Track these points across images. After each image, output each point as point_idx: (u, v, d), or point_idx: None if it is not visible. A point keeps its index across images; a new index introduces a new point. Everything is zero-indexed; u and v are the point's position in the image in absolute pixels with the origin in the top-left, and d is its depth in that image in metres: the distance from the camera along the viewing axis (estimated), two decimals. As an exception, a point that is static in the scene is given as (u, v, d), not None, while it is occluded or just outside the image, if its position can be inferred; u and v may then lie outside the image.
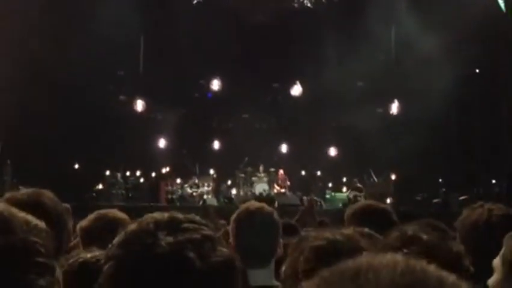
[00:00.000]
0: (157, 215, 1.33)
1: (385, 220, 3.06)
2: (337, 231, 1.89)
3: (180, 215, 1.33)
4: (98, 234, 2.89)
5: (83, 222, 3.13)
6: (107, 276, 1.26)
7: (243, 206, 3.31)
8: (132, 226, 1.30)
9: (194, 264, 1.22)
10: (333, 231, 1.88)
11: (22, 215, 1.35)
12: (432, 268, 0.75)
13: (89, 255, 1.90)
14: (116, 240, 1.30)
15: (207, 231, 1.30)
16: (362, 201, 3.65)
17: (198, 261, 1.23)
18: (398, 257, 0.76)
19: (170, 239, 1.25)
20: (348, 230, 1.97)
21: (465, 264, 1.54)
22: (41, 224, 1.38)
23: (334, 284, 0.74)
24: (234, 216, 3.03)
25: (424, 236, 1.53)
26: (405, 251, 1.48)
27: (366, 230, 2.42)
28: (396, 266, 0.74)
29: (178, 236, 1.25)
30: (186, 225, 1.29)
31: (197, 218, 1.34)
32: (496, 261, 2.10)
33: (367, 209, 3.30)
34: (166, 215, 1.33)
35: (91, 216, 3.15)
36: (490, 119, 17.90)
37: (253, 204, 3.36)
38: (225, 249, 1.30)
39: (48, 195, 2.51)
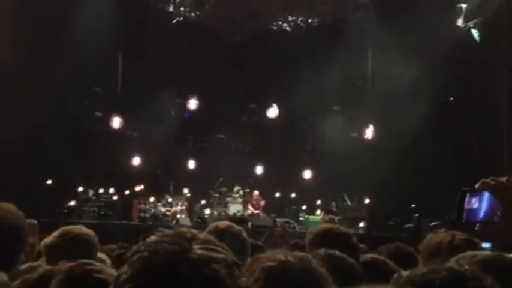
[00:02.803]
0: (192, 230, 1.36)
1: (345, 243, 3.09)
2: (290, 253, 1.89)
3: (213, 239, 1.36)
4: (62, 251, 2.85)
5: (47, 239, 3.10)
6: (135, 266, 1.26)
7: (213, 225, 3.34)
8: (170, 231, 1.33)
9: (224, 280, 1.25)
10: (286, 253, 1.88)
11: None
12: None
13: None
14: (151, 237, 1.31)
15: (235, 259, 1.33)
16: (322, 225, 3.65)
17: (228, 279, 1.25)
18: None
19: (204, 252, 1.27)
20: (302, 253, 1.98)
21: None
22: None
23: None
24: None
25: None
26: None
27: (337, 252, 2.44)
28: None
29: (211, 253, 1.28)
30: (218, 248, 1.32)
31: (226, 246, 1.37)
32: None
33: (328, 233, 3.31)
34: (200, 233, 1.36)
35: (55, 233, 3.11)
36: (462, 147, 18.12)
37: (223, 222, 3.38)
38: (246, 280, 1.35)
39: (4, 207, 2.47)
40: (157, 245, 1.27)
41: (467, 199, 1.55)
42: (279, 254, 1.89)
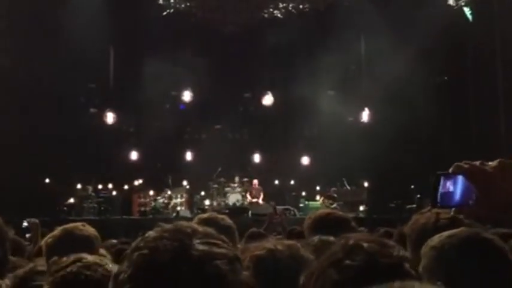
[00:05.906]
0: (192, 224, 1.33)
1: (344, 227, 3.09)
2: (279, 241, 1.95)
3: (214, 232, 1.33)
4: (63, 251, 2.82)
5: (48, 239, 3.06)
6: (135, 264, 1.23)
7: (196, 218, 3.40)
8: (170, 226, 1.30)
9: (226, 275, 1.22)
10: (275, 242, 1.93)
11: None
12: None
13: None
14: (150, 233, 1.28)
15: (237, 253, 1.31)
16: (320, 210, 3.68)
17: (230, 275, 1.23)
18: None
19: (205, 247, 1.25)
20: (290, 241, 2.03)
21: (406, 269, 1.56)
22: None
23: None
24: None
25: (365, 244, 1.55)
26: (347, 262, 1.50)
27: (331, 238, 2.44)
28: None
29: (213, 248, 1.26)
30: (219, 242, 1.30)
31: (226, 239, 1.35)
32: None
33: (325, 218, 3.32)
34: (200, 227, 1.33)
35: (56, 232, 3.07)
36: (460, 126, 18.14)
37: (205, 214, 3.46)
38: (248, 274, 1.32)
39: None
40: (157, 241, 1.24)
41: (441, 183, 1.53)
42: (268, 243, 1.95)
